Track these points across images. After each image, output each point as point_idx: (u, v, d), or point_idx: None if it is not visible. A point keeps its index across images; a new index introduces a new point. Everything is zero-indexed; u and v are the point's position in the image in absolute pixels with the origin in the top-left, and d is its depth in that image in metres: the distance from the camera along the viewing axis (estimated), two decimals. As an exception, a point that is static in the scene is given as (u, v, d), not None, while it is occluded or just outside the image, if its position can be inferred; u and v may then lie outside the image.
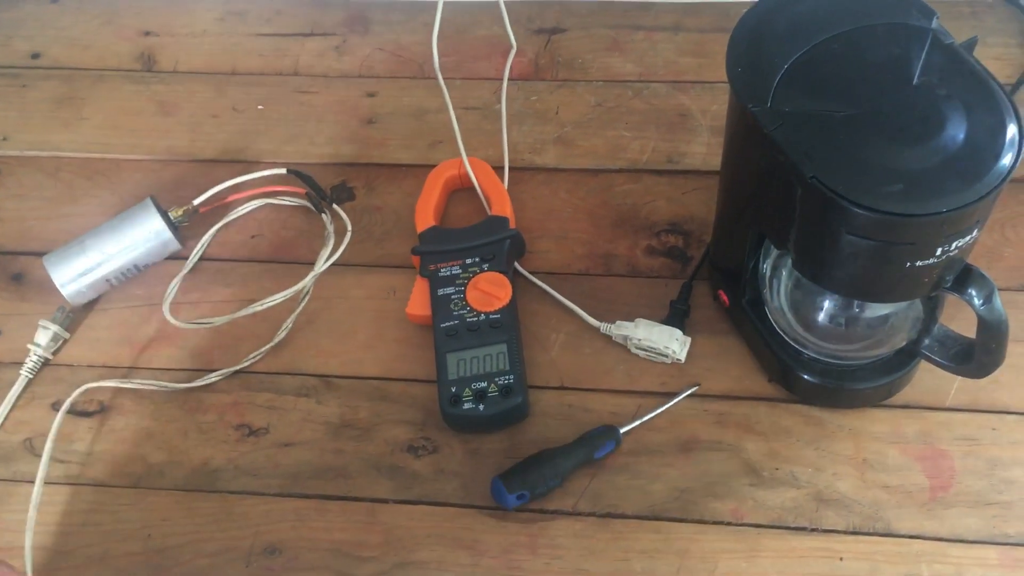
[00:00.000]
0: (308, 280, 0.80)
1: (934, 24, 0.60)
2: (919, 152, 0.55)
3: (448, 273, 0.80)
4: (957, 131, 0.55)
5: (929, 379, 0.74)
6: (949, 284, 0.60)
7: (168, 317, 0.79)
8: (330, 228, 0.84)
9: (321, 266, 0.80)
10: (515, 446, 0.74)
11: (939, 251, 0.56)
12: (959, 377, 0.73)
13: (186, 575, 0.71)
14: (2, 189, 0.92)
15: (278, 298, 0.79)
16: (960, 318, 0.73)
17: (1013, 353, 0.64)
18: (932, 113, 0.56)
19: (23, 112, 0.97)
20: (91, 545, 0.73)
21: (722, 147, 0.69)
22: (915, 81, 0.58)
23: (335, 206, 0.86)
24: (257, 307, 0.78)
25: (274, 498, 0.74)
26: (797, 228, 0.61)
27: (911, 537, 0.69)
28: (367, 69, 0.98)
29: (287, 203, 0.88)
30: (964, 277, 0.60)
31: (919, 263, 0.57)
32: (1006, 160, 0.54)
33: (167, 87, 0.98)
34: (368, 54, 0.99)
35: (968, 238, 0.57)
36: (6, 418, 0.79)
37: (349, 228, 0.82)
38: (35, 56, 1.01)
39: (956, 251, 0.57)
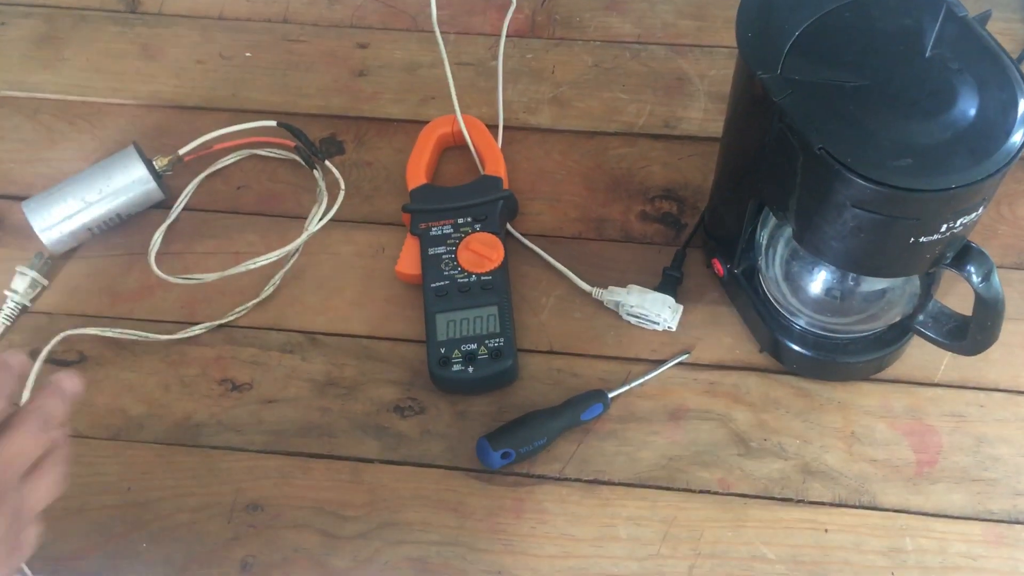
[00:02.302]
0: (300, 241, 0.78)
1: (948, -5, 0.59)
2: (929, 126, 0.55)
3: (439, 232, 0.78)
4: (968, 106, 0.55)
5: (919, 355, 0.74)
6: (949, 260, 0.60)
7: (155, 270, 0.77)
8: (322, 185, 0.83)
9: (315, 225, 0.78)
10: (503, 409, 0.74)
11: (944, 227, 0.56)
12: (949, 353, 0.73)
13: (166, 529, 0.70)
14: (-21, 130, 0.90)
15: (273, 256, 0.76)
16: (953, 294, 0.73)
17: (1004, 331, 0.64)
18: (944, 87, 0.56)
19: (1, 51, 0.94)
20: (69, 497, 0.71)
21: (721, 113, 0.68)
22: (927, 54, 0.57)
23: (327, 163, 0.84)
24: (250, 265, 0.76)
25: (257, 455, 0.73)
26: (799, 199, 0.60)
27: (896, 511, 0.69)
28: (359, 19, 0.95)
29: (274, 155, 0.86)
30: (963, 254, 0.59)
31: (923, 239, 0.57)
32: (1017, 137, 0.54)
33: (151, 30, 0.95)
34: (360, 4, 0.96)
35: (973, 215, 0.56)
36: (-18, 366, 0.77)
37: (342, 186, 0.80)
38: (14, -8, 0.98)
39: (960, 228, 0.57)
